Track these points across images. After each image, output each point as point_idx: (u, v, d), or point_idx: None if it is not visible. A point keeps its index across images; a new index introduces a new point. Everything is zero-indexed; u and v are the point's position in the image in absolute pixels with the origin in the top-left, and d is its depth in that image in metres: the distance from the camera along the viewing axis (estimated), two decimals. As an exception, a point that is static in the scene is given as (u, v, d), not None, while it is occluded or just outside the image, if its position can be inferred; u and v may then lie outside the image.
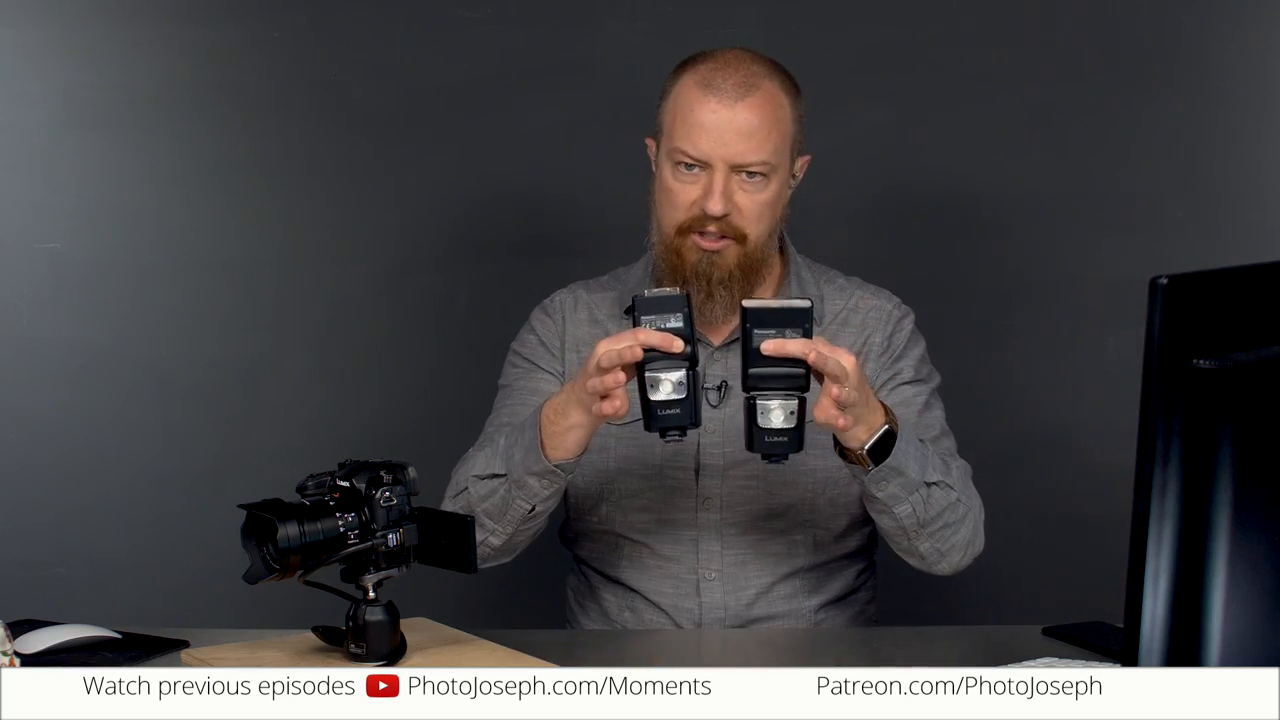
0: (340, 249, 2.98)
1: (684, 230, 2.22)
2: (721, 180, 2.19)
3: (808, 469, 2.26)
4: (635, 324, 2.02)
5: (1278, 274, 1.43)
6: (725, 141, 2.19)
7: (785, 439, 2.01)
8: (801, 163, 2.28)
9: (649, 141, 2.30)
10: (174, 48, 2.93)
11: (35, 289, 2.94)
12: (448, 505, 2.21)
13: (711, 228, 2.21)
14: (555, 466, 2.12)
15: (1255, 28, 2.94)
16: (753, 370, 2.00)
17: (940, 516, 2.17)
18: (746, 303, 2.02)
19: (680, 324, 2.01)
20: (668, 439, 2.03)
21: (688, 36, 2.86)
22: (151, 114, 2.94)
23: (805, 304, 2.01)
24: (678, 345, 2.00)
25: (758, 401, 2.00)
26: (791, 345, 1.99)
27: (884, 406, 2.10)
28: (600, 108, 2.91)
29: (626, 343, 1.99)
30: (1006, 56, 2.93)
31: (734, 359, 2.28)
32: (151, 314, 2.97)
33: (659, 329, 2.00)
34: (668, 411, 2.01)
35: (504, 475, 2.16)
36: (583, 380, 2.04)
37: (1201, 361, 1.33)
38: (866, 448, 2.07)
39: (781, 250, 2.35)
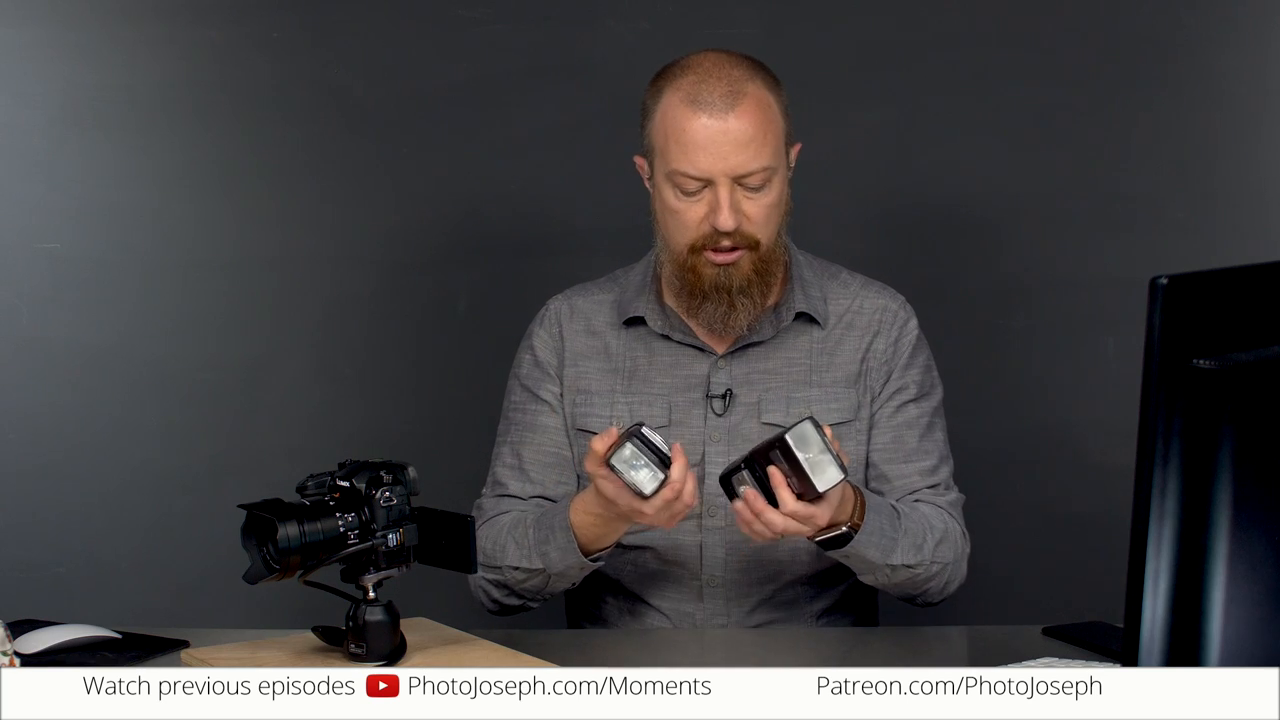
0: (340, 249, 2.98)
1: (696, 248, 2.20)
2: (727, 195, 2.16)
3: None
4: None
5: (1278, 274, 1.43)
6: (724, 155, 2.16)
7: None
8: (794, 151, 2.26)
9: (639, 160, 2.27)
10: (174, 48, 2.93)
11: (35, 289, 2.94)
12: (484, 574, 2.22)
13: (725, 242, 2.19)
14: (597, 557, 2.16)
15: (1255, 28, 2.94)
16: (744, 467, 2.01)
17: (906, 584, 2.20)
18: (791, 437, 1.97)
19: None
20: None
21: (688, 36, 2.86)
22: (151, 114, 2.94)
23: (831, 483, 1.97)
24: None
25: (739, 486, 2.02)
26: (772, 515, 1.99)
27: (856, 496, 2.12)
28: (600, 108, 2.91)
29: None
30: (1006, 56, 2.93)
31: (738, 367, 2.27)
32: (151, 314, 2.96)
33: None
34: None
35: (542, 569, 2.19)
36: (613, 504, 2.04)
37: (1201, 361, 1.33)
38: (817, 539, 2.10)
39: None
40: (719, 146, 2.16)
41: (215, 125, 2.95)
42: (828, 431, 1.97)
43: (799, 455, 1.96)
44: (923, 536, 2.18)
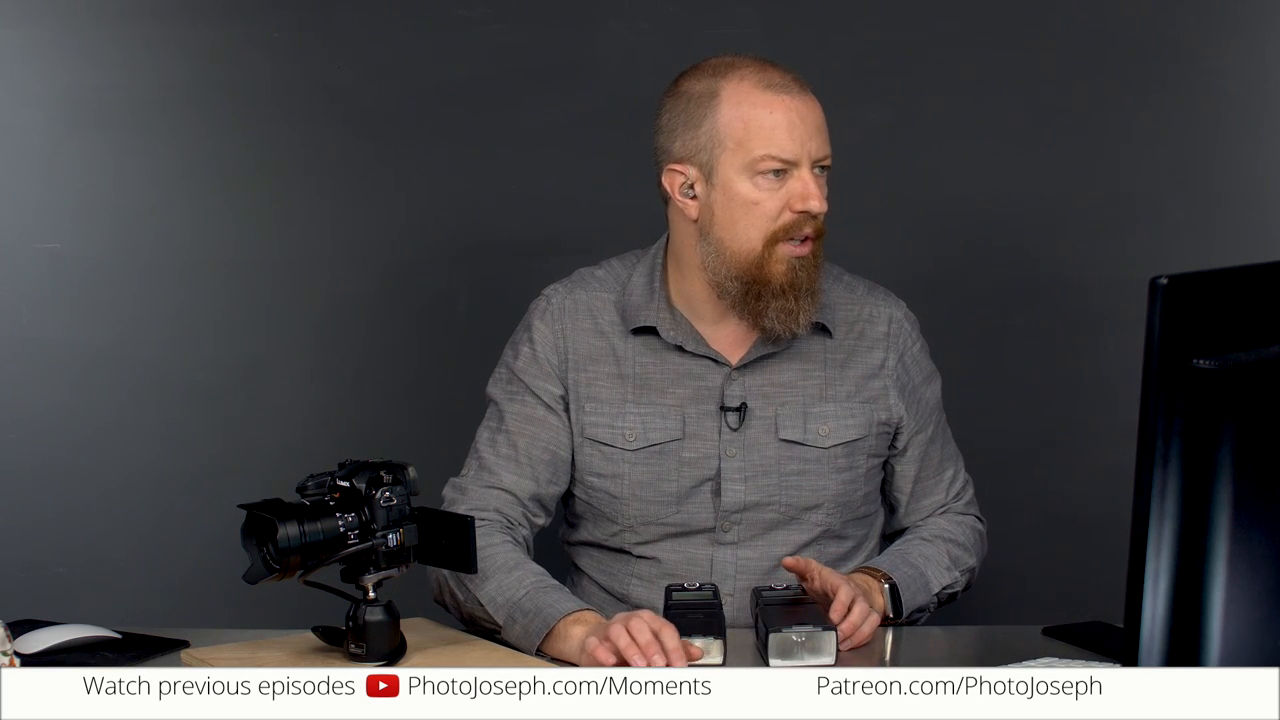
0: (340, 249, 2.97)
1: (772, 240, 2.18)
2: (813, 178, 2.17)
3: (829, 494, 2.27)
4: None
5: (1278, 274, 1.43)
6: (809, 135, 2.16)
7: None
8: None
9: (675, 169, 2.21)
10: (174, 48, 2.93)
11: (35, 289, 2.94)
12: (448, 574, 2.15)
13: (808, 229, 2.18)
14: (541, 654, 2.06)
15: (1254, 28, 2.94)
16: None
17: (949, 598, 2.31)
18: (771, 657, 1.99)
19: (719, 658, 2.00)
20: None
21: (688, 37, 2.86)
22: (151, 114, 2.94)
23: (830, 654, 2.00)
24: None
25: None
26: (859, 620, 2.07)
27: (878, 582, 2.18)
28: (600, 108, 2.91)
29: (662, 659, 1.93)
30: (1006, 56, 2.93)
31: (752, 378, 2.27)
32: (151, 314, 2.96)
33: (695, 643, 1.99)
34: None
35: (499, 627, 2.09)
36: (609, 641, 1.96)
37: (1201, 361, 1.33)
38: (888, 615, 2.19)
39: None
40: (806, 125, 2.16)
41: (215, 125, 2.94)
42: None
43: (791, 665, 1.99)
44: (945, 555, 2.28)
